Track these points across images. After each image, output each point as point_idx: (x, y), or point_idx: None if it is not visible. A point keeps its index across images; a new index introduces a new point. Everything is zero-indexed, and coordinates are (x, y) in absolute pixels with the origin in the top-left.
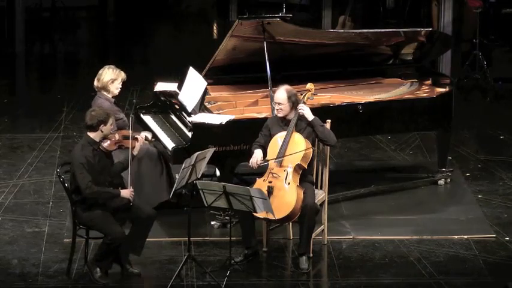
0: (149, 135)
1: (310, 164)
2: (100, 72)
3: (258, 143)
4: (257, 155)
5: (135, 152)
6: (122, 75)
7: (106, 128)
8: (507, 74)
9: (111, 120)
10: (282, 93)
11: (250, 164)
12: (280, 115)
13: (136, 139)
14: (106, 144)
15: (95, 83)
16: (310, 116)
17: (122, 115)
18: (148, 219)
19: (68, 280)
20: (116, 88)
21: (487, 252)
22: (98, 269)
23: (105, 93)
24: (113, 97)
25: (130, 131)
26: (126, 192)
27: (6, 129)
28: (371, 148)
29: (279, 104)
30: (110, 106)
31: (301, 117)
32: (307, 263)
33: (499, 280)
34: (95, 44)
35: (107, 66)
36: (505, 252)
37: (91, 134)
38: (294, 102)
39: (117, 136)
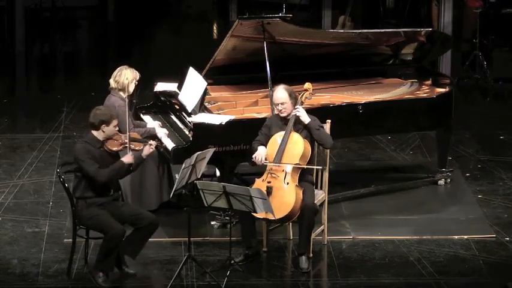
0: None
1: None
2: (117, 73)
3: (259, 141)
4: (261, 152)
5: (144, 156)
6: (137, 74)
7: (108, 129)
8: (507, 74)
9: (114, 122)
10: (282, 92)
11: (253, 158)
12: (284, 115)
13: (149, 145)
14: (110, 144)
15: (112, 83)
16: (306, 119)
17: (129, 119)
18: (150, 227)
19: (68, 280)
20: (132, 87)
21: (487, 252)
22: (101, 273)
23: (121, 93)
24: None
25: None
26: (128, 158)
27: (6, 129)
28: (371, 148)
29: (282, 104)
30: (122, 105)
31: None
32: (307, 263)
33: (499, 280)
34: (94, 44)
35: (123, 67)
36: (505, 252)
37: (94, 132)
38: (294, 99)
39: (123, 137)
